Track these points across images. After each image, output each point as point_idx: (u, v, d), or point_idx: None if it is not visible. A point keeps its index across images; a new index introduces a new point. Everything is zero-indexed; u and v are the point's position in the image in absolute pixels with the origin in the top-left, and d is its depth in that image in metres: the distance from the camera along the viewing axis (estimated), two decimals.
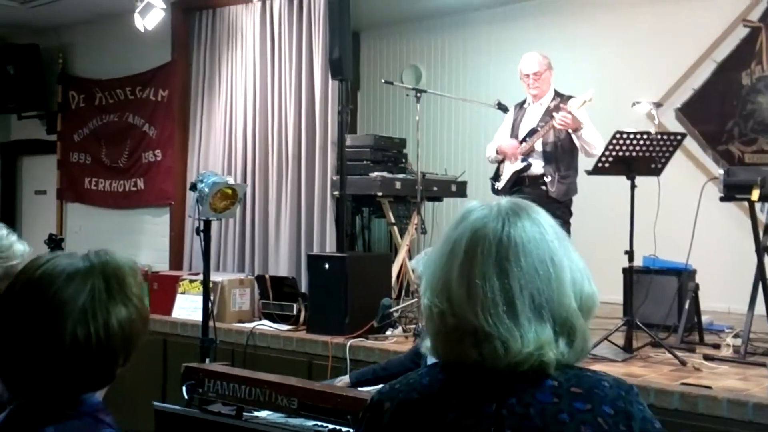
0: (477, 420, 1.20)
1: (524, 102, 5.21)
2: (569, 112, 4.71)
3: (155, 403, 3.34)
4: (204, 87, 7.10)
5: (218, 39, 7.01)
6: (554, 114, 4.82)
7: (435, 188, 6.20)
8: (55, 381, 1.31)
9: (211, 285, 4.86)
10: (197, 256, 6.63)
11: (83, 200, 8.09)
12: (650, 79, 6.52)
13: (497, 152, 5.17)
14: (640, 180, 4.48)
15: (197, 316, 5.13)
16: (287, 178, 6.43)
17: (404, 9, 7.60)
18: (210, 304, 4.78)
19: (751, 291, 4.35)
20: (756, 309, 4.32)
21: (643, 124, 5.42)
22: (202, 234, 4.58)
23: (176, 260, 7.16)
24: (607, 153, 4.42)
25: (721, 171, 4.58)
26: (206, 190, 4.58)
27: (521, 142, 5.03)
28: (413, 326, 4.91)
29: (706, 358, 4.28)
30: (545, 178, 4.91)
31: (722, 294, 5.61)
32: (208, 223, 4.60)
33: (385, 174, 6.02)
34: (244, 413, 3.08)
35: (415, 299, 4.98)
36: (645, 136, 4.43)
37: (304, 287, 5.74)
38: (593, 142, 4.80)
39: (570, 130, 4.81)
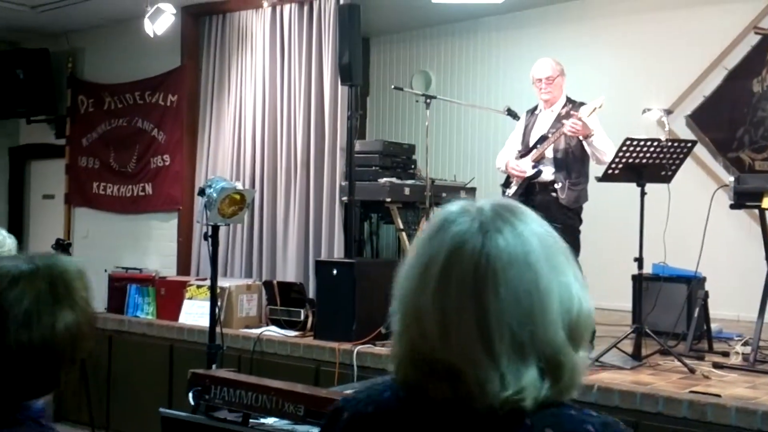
0: None
1: (535, 108, 5.19)
2: (579, 119, 4.69)
3: (162, 409, 3.34)
4: (213, 92, 7.11)
5: (228, 44, 7.01)
6: (564, 121, 4.79)
7: (444, 194, 6.18)
8: None
9: (218, 290, 4.86)
10: (205, 261, 6.64)
11: (91, 205, 8.09)
12: (661, 85, 6.50)
13: (506, 169, 5.15)
14: (650, 187, 4.47)
15: (204, 322, 5.13)
16: (296, 184, 6.42)
17: (414, 15, 7.60)
18: (217, 310, 4.77)
19: (761, 299, 4.32)
20: (766, 317, 4.29)
21: (653, 131, 5.40)
22: (210, 239, 4.58)
23: (184, 266, 7.16)
24: (617, 160, 4.40)
25: (732, 178, 4.56)
26: (214, 195, 4.58)
27: (532, 149, 5.01)
28: None
29: (715, 366, 4.26)
30: (556, 184, 4.88)
31: (731, 301, 5.58)
32: (216, 229, 4.60)
33: (394, 180, 6.01)
34: (251, 420, 3.07)
35: None
36: (655, 143, 4.42)
37: (311, 293, 5.73)
38: (604, 149, 4.77)
39: (581, 137, 4.78)
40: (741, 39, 6.31)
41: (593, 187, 4.92)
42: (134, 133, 7.73)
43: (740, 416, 3.43)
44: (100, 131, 8.03)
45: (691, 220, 4.83)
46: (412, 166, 6.57)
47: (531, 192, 5.00)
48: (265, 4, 6.66)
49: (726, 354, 4.54)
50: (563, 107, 5.01)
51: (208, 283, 5.14)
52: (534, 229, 1.09)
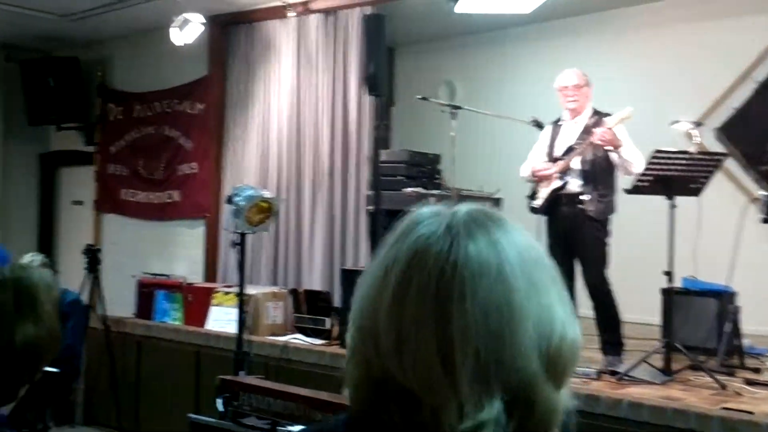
0: None
1: (558, 120, 5.16)
2: (610, 129, 4.65)
3: (190, 415, 3.35)
4: (239, 101, 7.16)
5: (254, 53, 7.07)
6: (594, 130, 4.76)
7: None
8: None
9: (245, 297, 4.88)
10: (231, 268, 6.67)
11: (119, 211, 8.18)
12: (689, 98, 6.44)
13: (532, 174, 5.13)
14: (679, 200, 4.43)
15: (230, 329, 5.15)
16: (321, 193, 6.45)
17: (439, 25, 7.61)
18: (244, 317, 4.80)
19: None
20: None
21: (681, 144, 5.35)
22: (238, 247, 4.60)
23: (210, 272, 7.20)
24: (647, 172, 4.36)
25: (763, 192, 4.51)
26: (242, 203, 4.61)
27: (557, 160, 4.98)
28: None
29: (748, 382, 4.20)
30: (583, 196, 4.85)
31: (763, 317, 5.50)
32: (243, 237, 4.62)
33: (419, 189, 6.01)
34: (278, 427, 3.08)
35: None
36: (686, 155, 4.39)
37: (337, 302, 5.73)
38: (633, 159, 4.72)
39: (610, 147, 4.74)
40: None
41: (621, 198, 4.89)
42: (162, 140, 7.80)
43: None
44: (129, 139, 8.12)
45: (722, 233, 4.78)
46: (438, 176, 6.56)
47: (557, 203, 4.97)
48: (291, 15, 6.70)
49: (757, 370, 4.48)
50: (590, 118, 4.98)
51: (234, 289, 5.16)
52: (514, 238, 0.92)
